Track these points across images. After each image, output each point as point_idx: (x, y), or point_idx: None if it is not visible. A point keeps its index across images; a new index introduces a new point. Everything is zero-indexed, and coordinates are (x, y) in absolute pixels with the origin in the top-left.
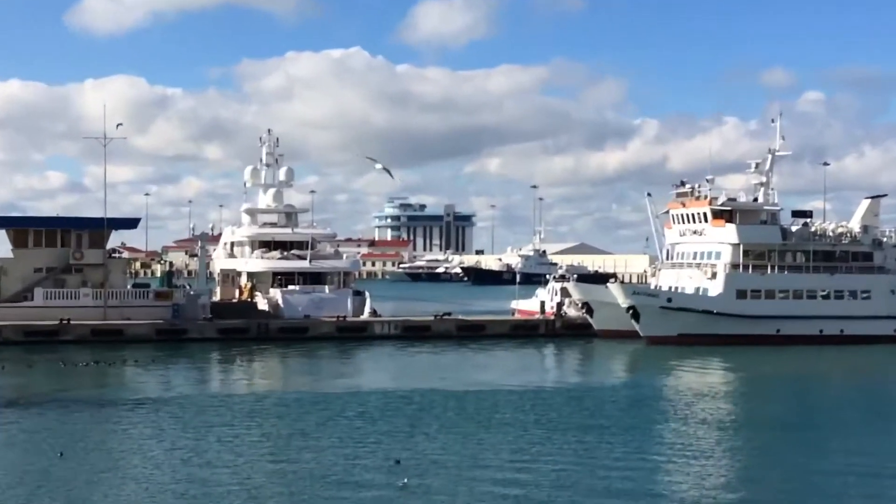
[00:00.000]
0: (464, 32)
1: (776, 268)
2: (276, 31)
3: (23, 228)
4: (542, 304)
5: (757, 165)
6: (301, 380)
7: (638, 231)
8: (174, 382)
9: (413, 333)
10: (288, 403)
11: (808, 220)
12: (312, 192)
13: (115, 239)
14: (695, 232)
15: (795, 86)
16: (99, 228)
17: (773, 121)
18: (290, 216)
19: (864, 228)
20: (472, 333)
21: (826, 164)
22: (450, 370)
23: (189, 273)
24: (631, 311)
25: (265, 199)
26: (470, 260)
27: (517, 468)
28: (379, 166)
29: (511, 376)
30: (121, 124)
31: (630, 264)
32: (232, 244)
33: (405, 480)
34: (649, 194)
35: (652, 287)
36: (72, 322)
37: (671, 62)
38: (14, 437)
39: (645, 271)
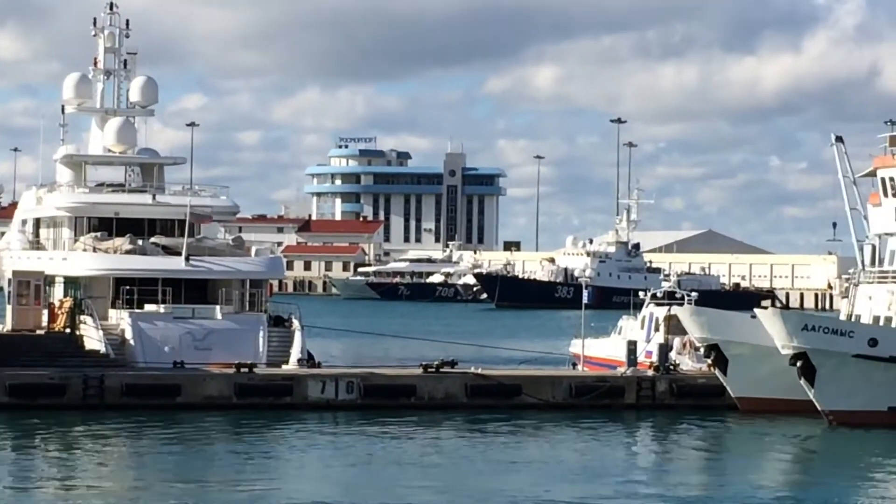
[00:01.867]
0: None
1: None
2: None
3: None
4: (632, 346)
5: None
6: (163, 490)
7: (817, 210)
8: None
9: (383, 400)
10: None
11: None
12: (193, 125)
13: None
14: None
15: None
16: None
17: None
18: (150, 171)
19: None
20: (495, 401)
21: None
22: (452, 473)
23: None
24: (800, 364)
25: (102, 139)
26: (494, 260)
27: None
28: None
29: (570, 485)
30: None
31: (801, 273)
32: (37, 223)
33: None
34: (840, 139)
35: (841, 317)
36: None
37: None
38: None
39: (829, 286)
